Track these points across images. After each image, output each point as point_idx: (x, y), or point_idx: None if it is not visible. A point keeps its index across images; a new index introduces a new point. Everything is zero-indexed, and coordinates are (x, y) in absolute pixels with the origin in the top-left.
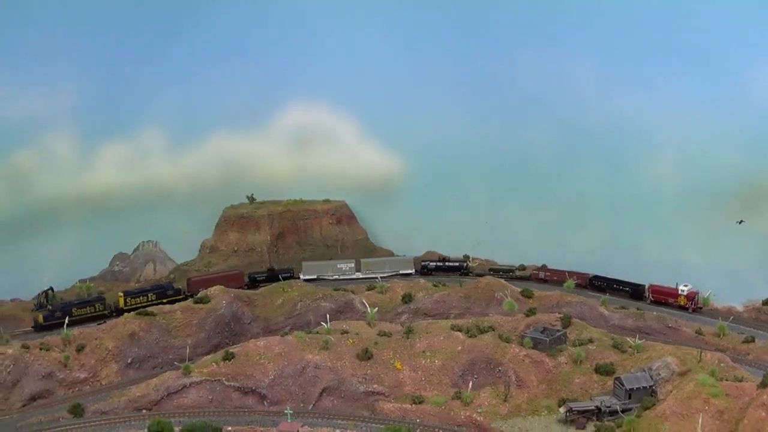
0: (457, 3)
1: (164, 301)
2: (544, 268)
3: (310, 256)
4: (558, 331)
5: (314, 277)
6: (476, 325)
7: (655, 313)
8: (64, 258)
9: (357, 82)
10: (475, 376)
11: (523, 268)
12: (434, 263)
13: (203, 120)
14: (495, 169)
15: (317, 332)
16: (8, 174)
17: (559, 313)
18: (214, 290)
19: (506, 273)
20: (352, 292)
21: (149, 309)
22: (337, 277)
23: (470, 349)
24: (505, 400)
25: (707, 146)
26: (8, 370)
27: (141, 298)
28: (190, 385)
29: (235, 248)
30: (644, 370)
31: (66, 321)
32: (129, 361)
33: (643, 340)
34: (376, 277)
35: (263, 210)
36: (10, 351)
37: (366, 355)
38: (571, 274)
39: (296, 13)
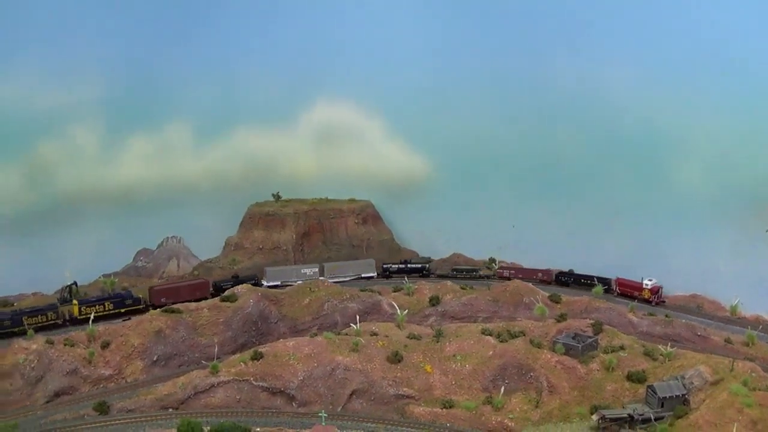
0: (490, 3)
1: (122, 311)
2: (508, 266)
3: (336, 255)
4: (589, 337)
5: (278, 283)
6: (507, 329)
7: (684, 320)
8: (87, 252)
9: (384, 81)
10: (507, 381)
11: (492, 261)
12: (396, 265)
13: (229, 116)
14: (523, 171)
15: (346, 333)
16: (32, 166)
17: (589, 319)
18: (241, 288)
19: (469, 272)
20: (379, 294)
21: (175, 306)
22: (301, 281)
23: (501, 354)
24: (536, 406)
25: (740, 151)
26: (32, 365)
27: (97, 306)
28: (217, 384)
29: (260, 246)
30: (677, 379)
31: (15, 330)
32: (155, 358)
33: (675, 348)
34: (339, 281)
35: (289, 208)
36: (34, 346)
37: (396, 358)
38: (535, 271)
39: (324, 9)
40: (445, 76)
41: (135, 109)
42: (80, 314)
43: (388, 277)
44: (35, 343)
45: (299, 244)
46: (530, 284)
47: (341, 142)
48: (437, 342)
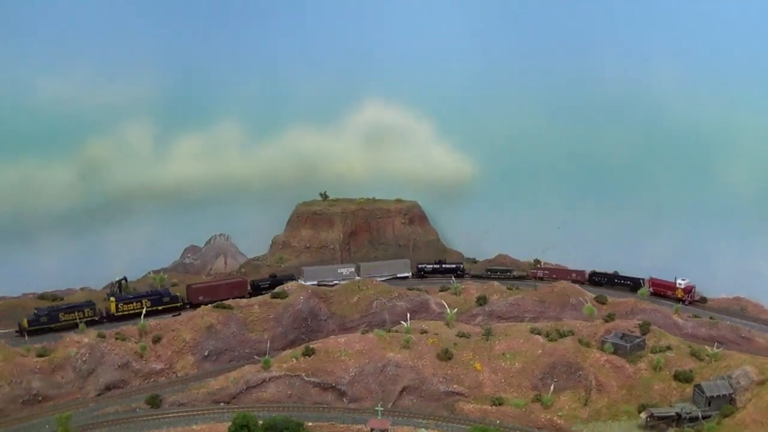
0: (537, 3)
1: (159, 308)
2: (540, 266)
3: (383, 255)
4: (637, 337)
5: (315, 282)
6: (556, 328)
7: (728, 322)
8: (135, 249)
9: (431, 83)
10: (556, 380)
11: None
12: (431, 266)
13: (278, 115)
14: (568, 173)
15: (396, 331)
16: (83, 163)
17: (636, 320)
18: (291, 285)
19: (503, 273)
20: (427, 293)
21: (226, 303)
22: (337, 282)
23: (551, 353)
24: (585, 404)
25: None
26: (84, 358)
27: (134, 304)
28: (269, 379)
29: (308, 245)
30: (723, 378)
31: (51, 326)
32: (206, 353)
33: (721, 349)
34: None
35: (336, 207)
36: (86, 340)
37: (446, 356)
38: (569, 271)
39: (374, 11)
40: (492, 78)
41: (185, 107)
42: (117, 311)
43: (422, 277)
44: (87, 336)
45: (346, 243)
46: (577, 285)
47: (388, 143)
48: (486, 340)
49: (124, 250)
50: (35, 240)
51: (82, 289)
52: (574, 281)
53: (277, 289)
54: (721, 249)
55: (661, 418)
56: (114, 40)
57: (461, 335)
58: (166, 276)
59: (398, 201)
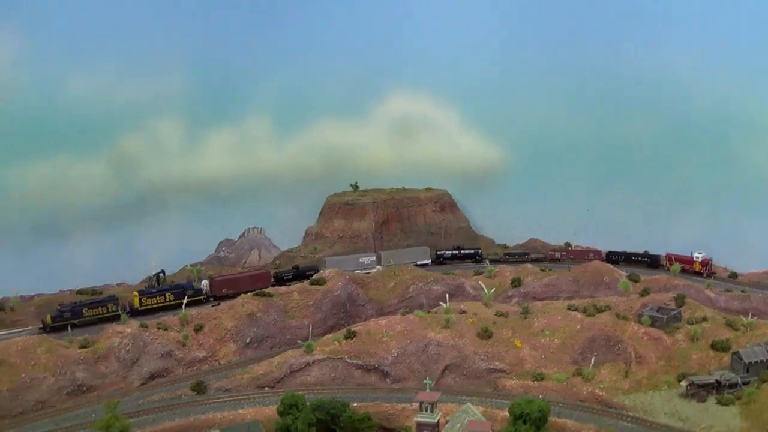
0: None
1: (183, 301)
2: (559, 248)
3: (415, 243)
4: (673, 310)
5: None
6: (593, 304)
7: (760, 295)
8: (170, 243)
9: (458, 72)
10: (595, 354)
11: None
12: (450, 252)
13: (307, 108)
14: (597, 157)
15: (435, 312)
16: (117, 159)
17: (672, 294)
18: (329, 272)
19: (521, 256)
20: (462, 276)
21: (266, 290)
22: (359, 271)
23: (589, 328)
24: (625, 376)
25: None
26: (127, 348)
27: (158, 298)
28: (312, 363)
29: (341, 235)
30: (761, 345)
31: (75, 322)
32: (247, 340)
33: (755, 318)
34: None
35: (367, 197)
36: (128, 330)
37: (486, 334)
38: (587, 251)
39: (399, 1)
40: (518, 66)
41: (215, 102)
42: (141, 305)
43: (442, 263)
44: (129, 326)
45: (378, 232)
46: (609, 265)
47: (416, 133)
48: (525, 318)
49: (159, 244)
50: (71, 236)
51: (118, 285)
52: (590, 261)
53: (315, 276)
54: (747, 226)
55: (701, 386)
56: (142, 36)
57: (499, 314)
58: (203, 269)
59: (428, 190)
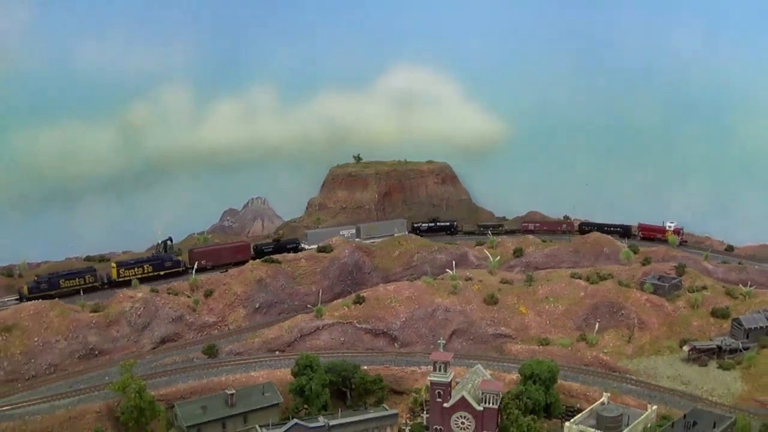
0: None
1: (161, 273)
2: (533, 220)
3: (416, 214)
4: (674, 278)
5: (317, 245)
6: (596, 272)
7: (756, 267)
8: (175, 212)
9: (461, 45)
10: (599, 320)
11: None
12: (426, 224)
13: (311, 79)
14: (596, 132)
15: (442, 278)
16: (124, 127)
17: (673, 263)
18: (336, 240)
19: (496, 228)
20: (465, 246)
21: (275, 257)
22: None
23: (593, 295)
24: (629, 342)
25: None
26: (138, 312)
27: (136, 269)
28: (322, 327)
29: (344, 205)
30: (760, 312)
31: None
32: (257, 306)
33: (753, 287)
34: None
35: (370, 169)
36: (139, 295)
37: (492, 300)
38: (559, 222)
39: None
40: (520, 41)
41: (222, 72)
42: (119, 277)
43: (419, 234)
44: (140, 291)
45: (381, 203)
46: (609, 236)
47: (418, 106)
48: (529, 286)
49: (165, 213)
50: (78, 204)
51: (124, 252)
52: (564, 232)
53: (322, 243)
54: (744, 200)
55: (702, 351)
56: (151, 5)
57: (504, 282)
58: (209, 236)
59: (430, 162)
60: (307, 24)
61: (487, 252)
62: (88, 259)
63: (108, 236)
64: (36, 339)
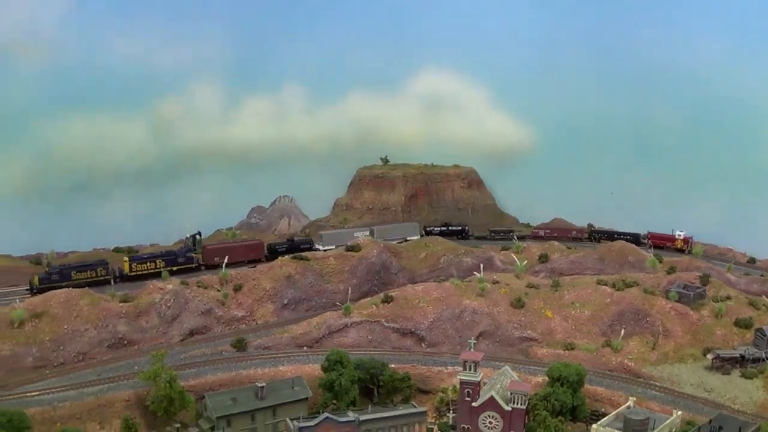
0: None
1: (174, 269)
2: (543, 226)
3: (442, 217)
4: (698, 287)
5: (332, 246)
6: (621, 279)
7: None
8: (203, 207)
9: (489, 52)
10: (624, 326)
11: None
12: (438, 228)
13: (341, 81)
14: (620, 140)
15: (470, 281)
16: (155, 121)
17: (697, 272)
18: (365, 240)
19: (506, 233)
20: (491, 251)
21: (303, 254)
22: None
23: (618, 301)
24: (653, 348)
25: None
26: (168, 304)
27: (148, 264)
28: (350, 324)
29: (370, 206)
30: None
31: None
32: (285, 302)
33: None
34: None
35: (397, 171)
36: (170, 286)
37: (519, 304)
38: (570, 229)
39: None
40: (546, 49)
41: (253, 70)
42: (131, 271)
43: None
44: (171, 283)
45: (407, 205)
46: (633, 245)
47: (445, 110)
48: (555, 291)
49: (193, 208)
50: (107, 196)
51: (151, 246)
52: (575, 238)
53: (350, 243)
54: (766, 212)
55: (726, 360)
56: (184, 2)
57: (531, 286)
58: (238, 232)
59: (456, 166)
60: (338, 26)
61: (514, 256)
62: (116, 250)
63: (136, 229)
64: (65, 327)
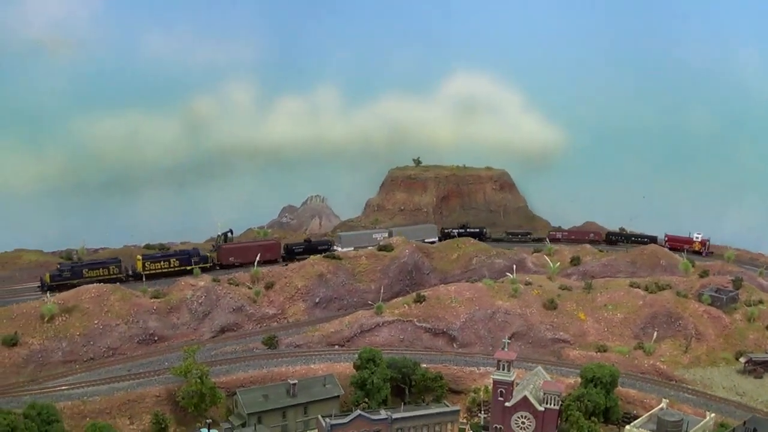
0: None
1: (188, 268)
2: (560, 229)
3: (474, 219)
4: (731, 291)
5: (351, 248)
6: (654, 282)
7: None
8: (235, 206)
9: (523, 54)
10: (656, 329)
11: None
12: (456, 230)
13: (373, 82)
14: (655, 144)
15: (502, 281)
16: (187, 118)
17: (729, 276)
18: (397, 240)
19: (524, 236)
20: (523, 252)
21: (336, 253)
22: (371, 247)
23: (651, 304)
24: (685, 352)
25: None
26: (200, 301)
27: (162, 263)
28: (382, 324)
29: (401, 207)
30: None
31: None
32: (317, 300)
33: None
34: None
35: (429, 173)
36: (201, 283)
37: (551, 305)
38: (587, 232)
39: None
40: (583, 51)
41: (287, 70)
42: (144, 270)
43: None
44: (202, 280)
45: (438, 207)
46: (665, 249)
47: (478, 112)
48: (588, 293)
49: (225, 206)
50: (139, 193)
51: (183, 243)
52: (592, 241)
53: (382, 242)
54: None
55: (758, 363)
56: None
57: (563, 288)
58: (269, 230)
59: (488, 168)
60: (372, 27)
61: (546, 258)
62: (147, 247)
63: (167, 226)
64: (96, 322)
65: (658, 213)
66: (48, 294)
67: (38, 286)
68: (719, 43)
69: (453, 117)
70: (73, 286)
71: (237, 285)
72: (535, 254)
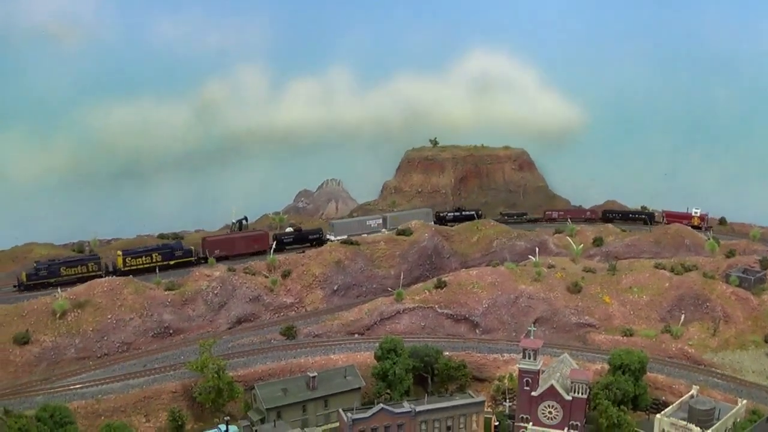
0: None
1: (171, 263)
2: (555, 209)
3: (493, 200)
4: (758, 272)
5: (344, 237)
6: (680, 263)
7: None
8: (250, 192)
9: (540, 30)
10: (683, 311)
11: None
12: (451, 213)
13: (388, 62)
14: (676, 122)
15: (525, 265)
16: (199, 104)
17: (756, 255)
18: (416, 224)
19: (519, 216)
20: (545, 234)
21: (353, 238)
22: (366, 234)
23: (678, 286)
24: (713, 335)
25: None
26: (215, 291)
27: (143, 258)
28: (403, 311)
29: (419, 189)
30: None
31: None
32: (335, 288)
33: None
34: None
35: (447, 153)
36: (217, 273)
37: (576, 288)
38: (583, 210)
39: None
40: (601, 28)
41: (299, 52)
42: (124, 266)
43: (443, 224)
44: (217, 270)
45: (457, 188)
46: (689, 228)
47: (495, 91)
48: (613, 275)
49: (239, 192)
50: (151, 181)
51: (197, 231)
52: (588, 219)
53: (401, 227)
54: None
55: None
56: None
57: (587, 270)
58: (285, 216)
59: (506, 148)
60: (385, 6)
61: (569, 239)
62: (161, 236)
63: (181, 214)
64: (109, 316)
65: (681, 191)
66: (59, 290)
67: (14, 286)
68: (744, 16)
69: (469, 96)
70: (51, 285)
71: (253, 274)
72: (557, 235)
